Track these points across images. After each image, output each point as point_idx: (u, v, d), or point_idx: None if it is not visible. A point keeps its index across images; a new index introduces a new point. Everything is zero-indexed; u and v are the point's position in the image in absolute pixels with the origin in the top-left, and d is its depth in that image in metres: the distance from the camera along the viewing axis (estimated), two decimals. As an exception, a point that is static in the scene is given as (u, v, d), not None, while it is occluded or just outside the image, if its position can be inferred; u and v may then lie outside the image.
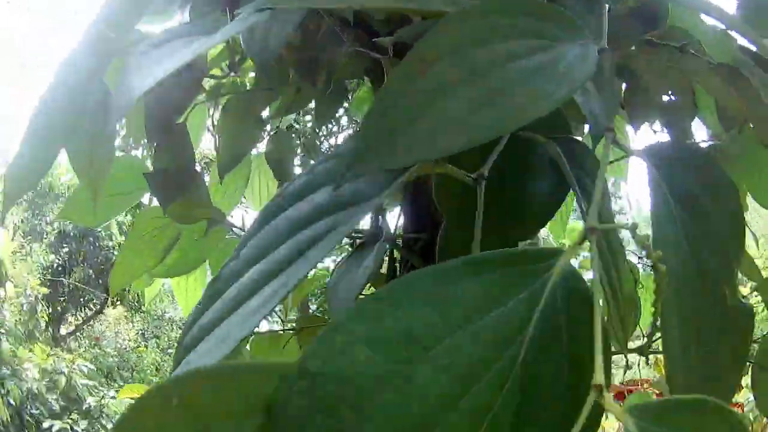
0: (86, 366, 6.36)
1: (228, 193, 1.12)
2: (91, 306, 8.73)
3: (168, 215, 0.96)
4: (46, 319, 7.63)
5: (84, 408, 6.14)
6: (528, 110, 0.37)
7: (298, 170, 1.15)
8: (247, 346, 1.26)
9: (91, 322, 8.73)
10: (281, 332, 1.16)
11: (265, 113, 1.00)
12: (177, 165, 0.94)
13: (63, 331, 8.84)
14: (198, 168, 0.99)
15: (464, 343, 0.31)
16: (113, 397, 6.16)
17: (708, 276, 0.40)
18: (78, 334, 8.81)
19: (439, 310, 0.32)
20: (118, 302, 8.14)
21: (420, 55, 0.38)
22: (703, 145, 1.08)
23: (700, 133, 1.14)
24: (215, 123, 1.05)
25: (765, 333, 1.04)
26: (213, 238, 1.10)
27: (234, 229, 1.06)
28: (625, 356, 1.10)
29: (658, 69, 0.80)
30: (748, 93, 0.70)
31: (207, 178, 1.10)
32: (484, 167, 0.49)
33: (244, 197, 1.21)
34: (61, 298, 8.54)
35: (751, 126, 0.83)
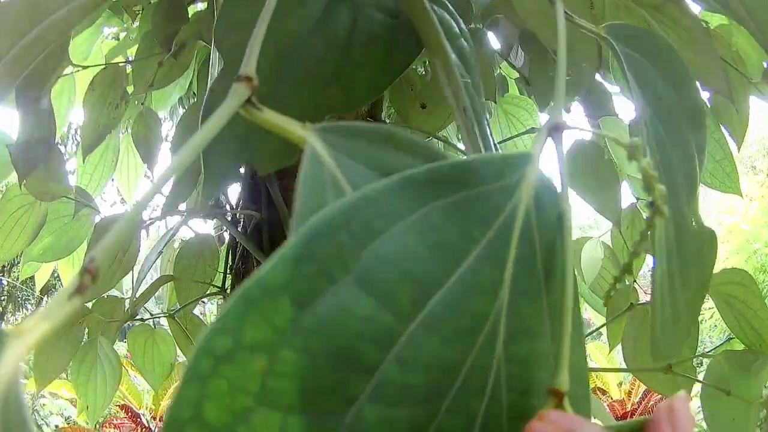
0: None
1: (95, 176, 1.09)
2: (29, 306, 8.54)
3: (26, 189, 0.94)
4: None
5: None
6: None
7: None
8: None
9: (29, 322, 8.53)
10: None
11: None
12: (38, 137, 0.91)
13: (3, 331, 8.62)
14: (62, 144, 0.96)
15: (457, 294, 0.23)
16: (43, 396, 6.04)
17: (676, 193, 0.33)
18: (16, 334, 8.61)
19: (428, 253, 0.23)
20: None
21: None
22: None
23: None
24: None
25: (714, 347, 1.06)
26: (84, 222, 1.08)
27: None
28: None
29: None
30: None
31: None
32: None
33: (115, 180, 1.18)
34: (2, 298, 8.34)
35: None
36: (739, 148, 0.94)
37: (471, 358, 0.23)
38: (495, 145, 0.42)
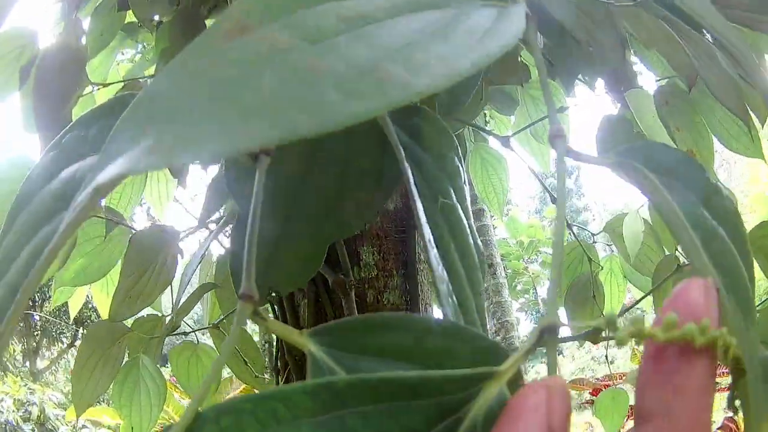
0: (55, 396, 6.35)
1: (125, 195, 1.08)
2: (63, 339, 8.62)
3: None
4: (21, 353, 7.57)
5: (57, 437, 6.12)
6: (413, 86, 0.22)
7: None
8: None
9: (65, 356, 8.61)
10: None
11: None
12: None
13: (40, 365, 8.72)
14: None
15: None
16: (84, 426, 6.10)
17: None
18: (54, 367, 8.71)
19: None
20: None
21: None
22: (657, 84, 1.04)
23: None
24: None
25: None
26: (117, 242, 1.07)
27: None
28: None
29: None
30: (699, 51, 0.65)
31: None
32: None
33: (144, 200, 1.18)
34: (35, 333, 8.44)
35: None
36: (762, 125, 0.93)
37: None
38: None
